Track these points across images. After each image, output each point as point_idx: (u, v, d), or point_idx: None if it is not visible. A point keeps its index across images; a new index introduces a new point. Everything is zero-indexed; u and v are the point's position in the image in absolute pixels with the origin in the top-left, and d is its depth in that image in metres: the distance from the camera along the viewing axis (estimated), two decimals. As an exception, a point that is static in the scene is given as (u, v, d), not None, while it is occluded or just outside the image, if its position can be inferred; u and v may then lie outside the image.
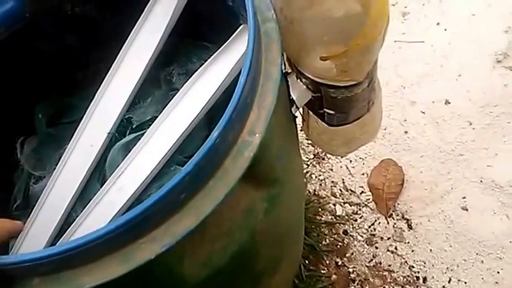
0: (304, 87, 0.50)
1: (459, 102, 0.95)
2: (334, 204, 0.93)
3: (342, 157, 0.96)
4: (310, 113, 0.56)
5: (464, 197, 0.90)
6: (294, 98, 0.50)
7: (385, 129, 0.96)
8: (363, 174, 0.94)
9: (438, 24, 1.02)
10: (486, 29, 0.98)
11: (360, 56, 0.47)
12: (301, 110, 0.57)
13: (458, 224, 0.89)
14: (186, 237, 0.35)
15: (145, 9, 0.54)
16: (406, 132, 0.95)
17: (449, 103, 0.95)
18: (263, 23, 0.44)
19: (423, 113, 0.96)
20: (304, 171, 0.94)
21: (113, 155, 0.55)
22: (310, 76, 0.48)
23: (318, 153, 0.96)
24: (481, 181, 0.91)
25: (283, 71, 0.51)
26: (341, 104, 0.51)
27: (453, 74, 0.97)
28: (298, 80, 0.50)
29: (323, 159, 0.96)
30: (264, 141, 0.41)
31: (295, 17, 0.43)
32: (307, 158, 0.96)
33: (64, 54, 0.57)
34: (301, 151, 0.96)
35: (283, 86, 0.50)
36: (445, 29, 1.01)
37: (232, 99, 0.35)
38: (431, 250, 0.88)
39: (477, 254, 0.86)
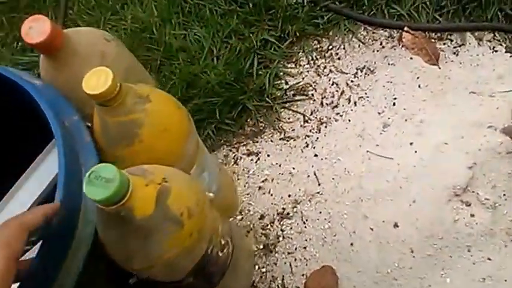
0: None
1: (406, 228, 0.89)
2: (269, 299, 0.92)
3: (288, 253, 0.94)
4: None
5: (386, 323, 0.85)
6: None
7: (334, 236, 0.93)
8: (303, 275, 0.92)
9: (411, 144, 0.96)
10: (452, 160, 0.91)
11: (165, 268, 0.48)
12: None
13: None
14: None
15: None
16: (352, 244, 0.91)
17: (397, 226, 0.90)
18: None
19: (371, 229, 0.91)
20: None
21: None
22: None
23: (268, 244, 0.95)
24: (407, 311, 0.85)
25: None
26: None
27: (408, 199, 0.91)
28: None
29: (271, 251, 0.94)
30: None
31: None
32: (257, 247, 0.95)
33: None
34: (253, 239, 0.95)
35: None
36: (416, 151, 0.95)
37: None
38: None
39: None
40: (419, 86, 1.02)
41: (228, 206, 0.79)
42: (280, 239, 0.94)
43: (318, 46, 1.11)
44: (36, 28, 0.55)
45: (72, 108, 0.59)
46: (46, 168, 0.59)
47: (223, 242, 0.58)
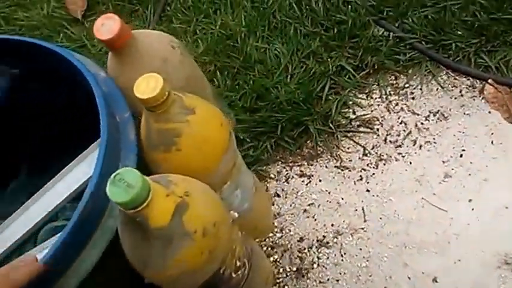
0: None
1: (446, 286, 0.84)
2: (290, 322, 0.89)
3: (320, 282, 0.91)
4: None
5: None
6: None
7: (370, 276, 0.89)
8: (329, 306, 0.89)
9: (470, 201, 0.90)
10: (511, 226, 0.84)
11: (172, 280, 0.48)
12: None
13: None
14: None
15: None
16: (385, 288, 0.87)
17: (436, 282, 0.84)
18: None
19: (409, 278, 0.86)
20: (279, 280, 0.92)
21: (45, 230, 0.71)
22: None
23: (301, 269, 0.92)
24: None
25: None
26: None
27: (454, 256, 0.85)
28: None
29: (303, 276, 0.92)
30: None
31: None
32: (289, 268, 0.93)
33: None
34: (287, 259, 0.93)
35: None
36: (473, 209, 0.89)
37: None
38: None
39: None
40: (492, 143, 0.96)
41: (258, 226, 0.78)
42: (315, 266, 0.92)
43: (394, 82, 1.07)
44: (107, 26, 0.58)
45: (126, 105, 0.61)
46: (88, 165, 0.61)
47: (238, 264, 0.57)
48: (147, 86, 0.50)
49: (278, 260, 0.93)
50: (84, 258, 0.51)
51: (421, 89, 1.05)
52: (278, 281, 0.92)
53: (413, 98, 1.05)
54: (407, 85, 1.07)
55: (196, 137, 0.55)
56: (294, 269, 0.93)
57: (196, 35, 1.22)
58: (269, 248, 0.94)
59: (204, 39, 1.21)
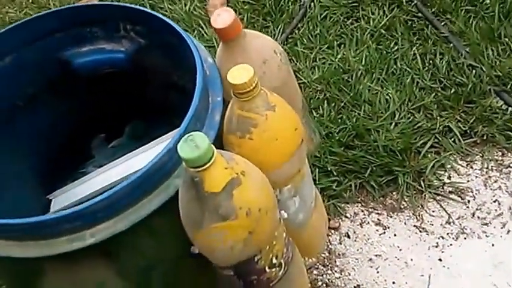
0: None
1: None
2: None
3: (364, 334, 0.88)
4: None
5: None
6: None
7: None
8: None
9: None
10: None
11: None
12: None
13: None
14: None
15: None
16: None
17: None
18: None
19: None
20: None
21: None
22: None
23: None
24: None
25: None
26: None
27: None
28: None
29: (349, 322, 0.90)
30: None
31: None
32: None
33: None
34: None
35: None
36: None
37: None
38: None
39: None
40: None
41: (306, 243, 0.77)
42: (364, 317, 0.89)
43: (500, 159, 1.01)
44: (222, 17, 0.64)
45: (221, 90, 0.66)
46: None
47: (274, 261, 0.59)
48: (238, 74, 0.56)
49: (330, 298, 0.92)
50: (150, 200, 0.56)
51: (527, 173, 0.99)
52: (324, 318, 0.90)
53: (515, 180, 0.98)
54: (513, 165, 1.00)
55: (269, 132, 0.59)
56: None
57: (315, 62, 1.24)
58: (324, 284, 0.93)
59: (321, 67, 1.23)
